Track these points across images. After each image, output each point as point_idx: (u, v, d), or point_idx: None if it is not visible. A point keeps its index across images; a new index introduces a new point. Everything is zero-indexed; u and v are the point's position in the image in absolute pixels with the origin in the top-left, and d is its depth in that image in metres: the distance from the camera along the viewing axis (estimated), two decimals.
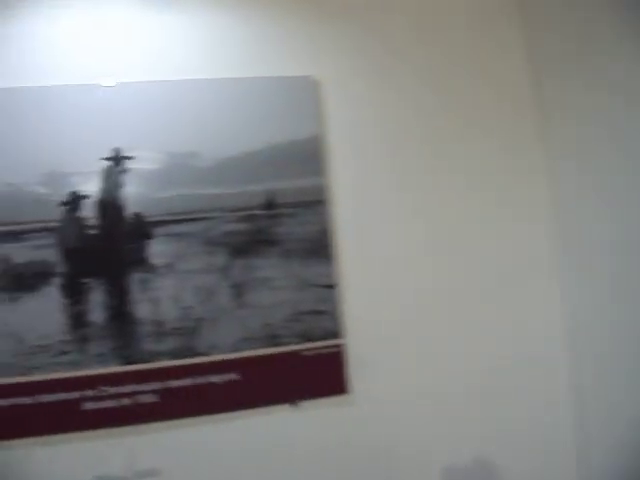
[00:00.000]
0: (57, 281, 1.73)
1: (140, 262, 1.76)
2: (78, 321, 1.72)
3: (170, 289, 1.75)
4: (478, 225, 1.90)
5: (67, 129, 1.74)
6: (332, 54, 1.86)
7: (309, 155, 1.81)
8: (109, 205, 1.75)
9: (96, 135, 1.75)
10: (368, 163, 1.85)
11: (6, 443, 1.69)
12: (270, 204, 1.79)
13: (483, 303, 1.90)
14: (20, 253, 1.73)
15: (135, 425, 1.73)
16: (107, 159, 1.75)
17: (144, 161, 1.76)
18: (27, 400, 1.70)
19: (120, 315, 1.74)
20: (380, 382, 1.82)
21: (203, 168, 1.78)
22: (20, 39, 1.77)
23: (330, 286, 1.80)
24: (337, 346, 1.79)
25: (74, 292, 1.74)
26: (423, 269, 1.86)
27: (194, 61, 1.81)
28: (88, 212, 1.74)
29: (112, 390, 1.72)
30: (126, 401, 1.72)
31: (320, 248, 1.80)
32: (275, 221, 1.79)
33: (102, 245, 1.75)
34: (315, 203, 1.81)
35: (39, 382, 1.70)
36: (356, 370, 1.81)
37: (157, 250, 1.76)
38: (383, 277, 1.84)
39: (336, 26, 1.87)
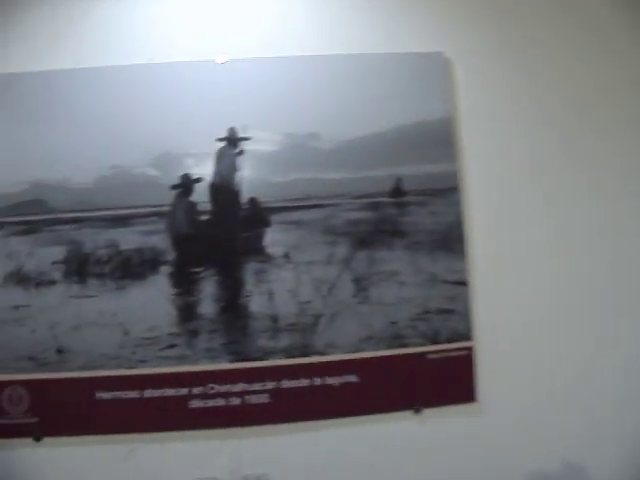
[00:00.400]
0: (166, 270, 1.61)
1: (255, 251, 1.62)
2: (187, 313, 1.60)
3: (287, 281, 1.61)
4: (625, 223, 1.70)
5: (180, 108, 1.63)
6: (465, 29, 1.69)
7: (440, 138, 1.65)
8: (223, 189, 1.63)
9: (210, 114, 1.62)
10: (503, 149, 1.68)
11: (109, 437, 1.59)
12: (397, 191, 1.63)
13: (621, 307, 1.70)
14: (128, 239, 1.62)
15: (244, 427, 1.60)
16: (222, 140, 1.62)
17: (261, 142, 1.62)
18: (132, 394, 1.59)
19: (232, 308, 1.61)
20: (511, 390, 1.64)
21: (324, 150, 1.63)
22: (130, 16, 1.67)
23: (461, 283, 1.63)
24: (466, 349, 1.63)
25: (184, 282, 1.62)
26: (562, 268, 1.68)
27: (315, 36, 1.67)
28: (201, 196, 1.62)
29: (221, 388, 1.59)
30: (235, 401, 1.59)
31: (451, 241, 1.64)
32: (402, 210, 1.64)
33: (215, 232, 1.63)
34: (446, 191, 1.64)
35: (145, 376, 1.59)
36: (486, 376, 1.63)
37: (273, 239, 1.63)
38: (518, 275, 1.66)
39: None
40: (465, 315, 1.62)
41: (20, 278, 1.61)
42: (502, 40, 1.71)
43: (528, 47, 1.72)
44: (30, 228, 1.62)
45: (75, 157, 1.62)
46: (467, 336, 1.62)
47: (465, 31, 1.70)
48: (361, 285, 1.61)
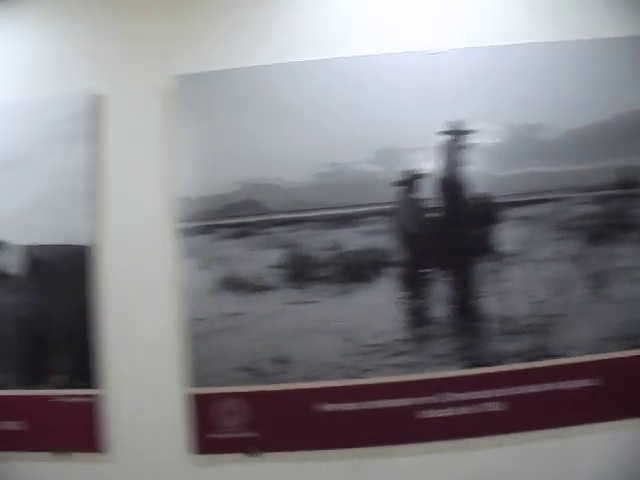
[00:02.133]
0: (393, 271, 1.53)
1: (487, 250, 1.54)
2: (417, 317, 1.51)
3: (519, 281, 1.52)
4: None
5: (399, 101, 1.57)
6: None
7: None
8: (450, 185, 1.55)
9: (429, 107, 1.56)
10: None
11: (331, 453, 1.49)
12: (627, 182, 1.56)
13: None
14: (351, 240, 1.54)
15: (478, 437, 1.50)
16: (445, 133, 1.54)
17: (485, 135, 1.56)
18: (356, 406, 1.49)
19: (464, 311, 1.52)
20: None
21: (551, 142, 1.56)
22: (339, 8, 1.62)
23: None
24: None
25: (412, 284, 1.53)
26: None
27: (536, 23, 1.61)
28: (427, 193, 1.54)
29: (453, 397, 1.49)
30: (469, 409, 1.49)
31: None
32: (634, 202, 1.56)
33: (444, 231, 1.55)
34: None
35: (371, 386, 1.49)
36: None
37: (504, 236, 1.54)
38: None
39: None
40: None
41: (234, 284, 1.52)
42: None
43: None
44: (243, 231, 1.54)
45: (288, 156, 1.54)
46: None
47: None
48: (596, 282, 1.53)
